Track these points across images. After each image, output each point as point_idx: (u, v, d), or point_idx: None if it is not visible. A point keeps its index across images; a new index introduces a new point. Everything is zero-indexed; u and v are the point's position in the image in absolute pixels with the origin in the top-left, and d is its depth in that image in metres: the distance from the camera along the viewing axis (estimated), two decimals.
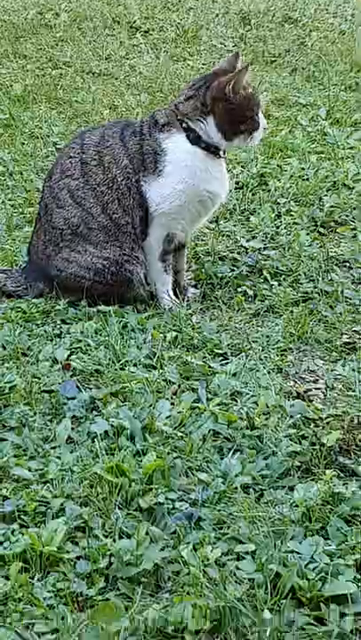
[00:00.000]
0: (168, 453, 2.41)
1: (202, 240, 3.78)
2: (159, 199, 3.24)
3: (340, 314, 3.21)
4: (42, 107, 5.43)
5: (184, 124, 3.24)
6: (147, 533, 2.14)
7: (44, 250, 3.31)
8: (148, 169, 3.25)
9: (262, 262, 3.59)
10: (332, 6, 8.02)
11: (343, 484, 2.30)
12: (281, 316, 3.22)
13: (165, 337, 3.03)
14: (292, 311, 3.23)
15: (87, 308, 3.22)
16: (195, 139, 3.24)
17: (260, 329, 3.14)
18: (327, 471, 2.34)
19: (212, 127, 3.22)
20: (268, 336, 3.07)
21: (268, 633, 1.88)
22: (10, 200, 4.21)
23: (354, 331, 3.11)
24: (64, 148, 3.57)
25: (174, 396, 2.71)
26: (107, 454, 2.42)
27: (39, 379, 2.78)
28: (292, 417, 2.58)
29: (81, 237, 3.27)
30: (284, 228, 3.89)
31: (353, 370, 2.85)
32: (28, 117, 5.22)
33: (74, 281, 3.27)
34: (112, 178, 3.26)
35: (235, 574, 2.03)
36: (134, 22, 7.32)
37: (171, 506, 2.25)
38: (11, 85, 5.76)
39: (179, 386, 2.77)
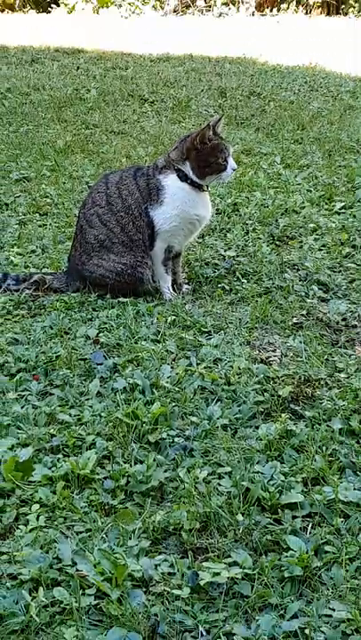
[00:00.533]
0: (169, 403, 2.41)
1: (192, 250, 3.77)
2: (161, 221, 3.22)
3: (291, 302, 3.20)
4: (78, 156, 5.41)
5: (175, 167, 3.23)
6: (154, 460, 2.14)
7: (79, 258, 3.30)
8: (152, 200, 3.24)
9: (236, 266, 3.58)
10: (285, 83, 7.99)
11: (294, 424, 2.30)
12: (249, 304, 3.20)
13: (167, 319, 3.01)
14: (256, 301, 3.22)
15: (111, 300, 3.21)
16: (183, 177, 3.22)
17: (234, 313, 3.12)
18: (282, 415, 2.34)
19: (189, 169, 3.22)
20: (239, 319, 3.06)
21: (241, 530, 1.89)
22: (55, 223, 4.19)
23: (301, 315, 3.10)
24: (94, 185, 3.55)
25: (173, 362, 2.70)
26: (125, 404, 2.41)
27: (76, 350, 2.77)
28: (257, 376, 2.57)
29: (106, 249, 3.26)
30: (251, 241, 3.88)
31: (300, 342, 2.84)
32: (68, 164, 5.20)
33: (101, 280, 3.25)
34: (128, 206, 3.25)
35: (217, 489, 2.03)
36: (143, 96, 7.30)
37: (171, 440, 2.25)
38: (55, 141, 5.73)
39: (176, 355, 2.76)
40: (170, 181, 3.24)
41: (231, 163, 3.26)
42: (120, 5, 13.26)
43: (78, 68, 8.65)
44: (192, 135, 3.25)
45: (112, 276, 3.25)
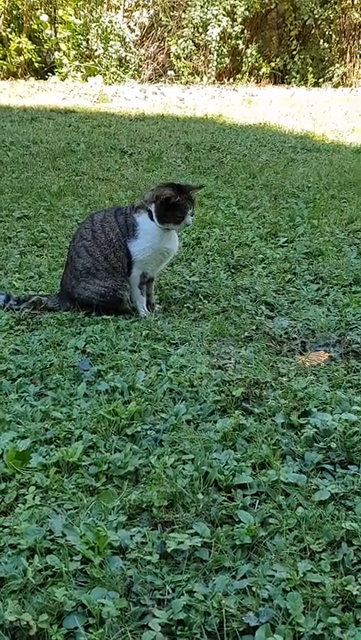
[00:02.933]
0: (143, 402, 2.41)
1: (163, 276, 3.78)
2: (137, 252, 3.24)
3: (243, 319, 3.22)
4: (69, 198, 5.40)
5: (147, 208, 3.24)
6: (130, 449, 2.14)
7: (70, 282, 3.29)
8: (130, 234, 3.25)
9: (199, 289, 3.60)
10: (239, 140, 8.08)
11: (245, 419, 2.32)
12: (209, 320, 3.22)
13: (142, 333, 3.02)
14: (215, 318, 3.24)
15: (96, 317, 3.21)
16: (153, 217, 3.25)
17: (197, 328, 3.14)
18: (236, 411, 2.35)
19: (153, 212, 3.20)
20: (201, 332, 3.07)
21: (201, 506, 1.90)
22: (50, 254, 4.18)
23: (251, 329, 3.12)
24: (82, 222, 3.56)
25: (147, 369, 2.70)
26: (107, 403, 2.41)
27: (67, 359, 2.76)
28: (215, 380, 2.59)
29: (92, 275, 3.26)
30: (211, 269, 3.90)
31: (250, 352, 2.86)
32: (61, 205, 5.19)
33: (88, 301, 3.25)
34: (110, 239, 3.26)
35: (182, 472, 2.04)
36: (123, 149, 7.32)
37: (144, 433, 2.26)
38: (51, 186, 5.72)
39: (149, 362, 2.76)
40: (143, 219, 3.24)
41: (187, 220, 3.21)
42: (105, 74, 13.31)
43: (70, 125, 8.65)
44: (163, 191, 3.17)
45: (97, 297, 3.25)
